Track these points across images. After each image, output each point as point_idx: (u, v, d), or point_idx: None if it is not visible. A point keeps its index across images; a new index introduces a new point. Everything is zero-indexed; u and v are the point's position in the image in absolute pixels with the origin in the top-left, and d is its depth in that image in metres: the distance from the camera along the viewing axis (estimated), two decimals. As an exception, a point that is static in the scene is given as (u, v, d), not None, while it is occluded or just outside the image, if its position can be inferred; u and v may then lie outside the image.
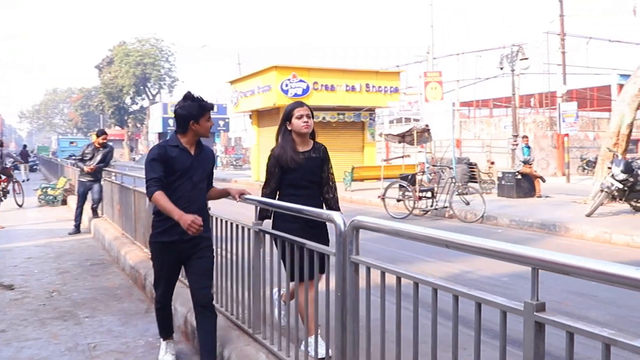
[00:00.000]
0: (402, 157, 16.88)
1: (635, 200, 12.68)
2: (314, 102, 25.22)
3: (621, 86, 30.99)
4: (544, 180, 17.38)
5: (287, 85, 24.75)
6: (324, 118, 25.65)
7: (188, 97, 3.97)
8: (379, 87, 26.52)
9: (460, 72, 34.78)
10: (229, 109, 38.50)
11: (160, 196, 3.85)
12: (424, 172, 16.10)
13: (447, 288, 2.27)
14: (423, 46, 42.48)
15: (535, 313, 1.91)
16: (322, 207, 4.32)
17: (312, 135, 4.41)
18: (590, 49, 32.50)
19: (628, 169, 12.15)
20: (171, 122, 48.61)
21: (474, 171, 19.50)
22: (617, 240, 10.38)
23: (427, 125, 16.74)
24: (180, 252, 4.06)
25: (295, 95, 24.52)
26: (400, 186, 14.43)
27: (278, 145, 4.33)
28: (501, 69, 23.01)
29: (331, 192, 4.49)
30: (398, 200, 14.54)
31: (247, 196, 4.22)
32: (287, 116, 4.32)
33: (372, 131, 27.43)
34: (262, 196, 4.27)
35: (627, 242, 10.17)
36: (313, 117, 4.35)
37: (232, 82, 30.26)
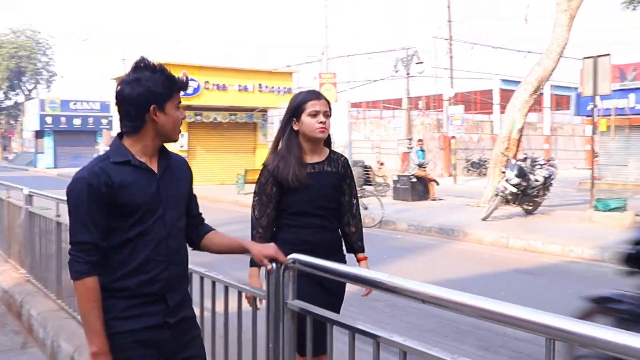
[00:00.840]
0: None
1: (527, 203, 13.03)
2: (205, 101, 24.45)
3: (503, 91, 32.49)
4: (437, 184, 17.61)
5: (176, 83, 23.71)
6: (215, 118, 25.00)
7: (145, 65, 2.15)
8: (272, 87, 26.15)
9: (350, 73, 35.02)
10: (113, 106, 36.61)
11: (86, 291, 2.10)
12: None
13: (424, 354, 1.81)
14: (315, 47, 42.58)
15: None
16: (340, 245, 3.13)
17: (328, 142, 3.07)
18: (474, 55, 33.73)
19: (521, 173, 12.43)
20: (49, 119, 44.34)
21: (368, 174, 19.46)
22: (514, 245, 10.54)
23: (324, 128, 16.45)
24: (162, 346, 2.24)
25: (186, 94, 23.53)
26: (299, 190, 14.02)
27: (276, 152, 3.00)
28: (396, 71, 23.24)
29: (354, 224, 3.14)
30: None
31: (295, 256, 2.36)
32: (295, 111, 2.94)
33: (265, 132, 27.00)
34: (256, 228, 2.96)
35: (524, 246, 10.36)
36: (331, 115, 2.98)
37: (117, 79, 28.67)
